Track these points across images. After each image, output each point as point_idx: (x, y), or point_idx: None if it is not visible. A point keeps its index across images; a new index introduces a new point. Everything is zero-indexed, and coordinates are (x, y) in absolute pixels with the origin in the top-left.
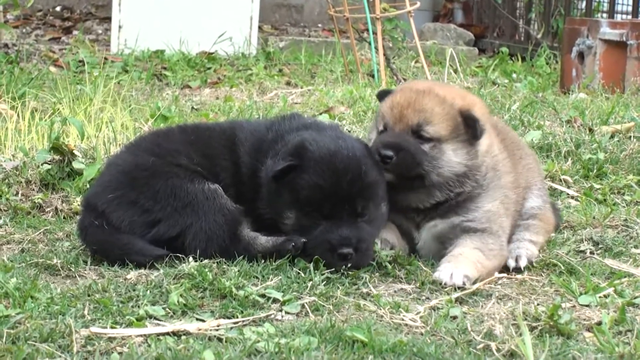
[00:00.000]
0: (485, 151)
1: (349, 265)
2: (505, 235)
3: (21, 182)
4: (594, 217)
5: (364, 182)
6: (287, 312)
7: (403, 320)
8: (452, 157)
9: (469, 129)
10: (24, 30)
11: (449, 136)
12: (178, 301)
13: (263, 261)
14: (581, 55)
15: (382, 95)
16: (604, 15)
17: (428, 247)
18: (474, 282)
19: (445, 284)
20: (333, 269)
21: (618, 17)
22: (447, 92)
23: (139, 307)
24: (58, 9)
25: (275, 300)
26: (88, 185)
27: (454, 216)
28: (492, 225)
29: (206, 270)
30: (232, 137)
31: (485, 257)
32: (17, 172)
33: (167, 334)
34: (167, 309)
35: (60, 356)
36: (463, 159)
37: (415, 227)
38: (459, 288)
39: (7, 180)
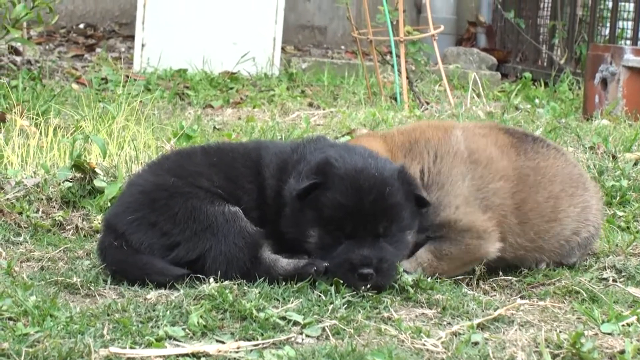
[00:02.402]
0: None
1: (370, 285)
2: None
3: (42, 199)
4: (616, 245)
5: (388, 202)
6: (307, 335)
7: (424, 345)
8: None
9: None
10: (47, 47)
11: None
12: (198, 322)
13: (284, 283)
14: (604, 82)
15: None
16: (628, 42)
17: None
18: None
19: None
20: (354, 291)
21: None
22: None
23: (158, 327)
24: (81, 26)
25: (295, 323)
26: (109, 204)
27: None
28: None
29: (227, 291)
30: (257, 160)
31: None
32: (38, 189)
33: (187, 355)
34: (187, 330)
35: None
36: None
37: None
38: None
39: (27, 197)
